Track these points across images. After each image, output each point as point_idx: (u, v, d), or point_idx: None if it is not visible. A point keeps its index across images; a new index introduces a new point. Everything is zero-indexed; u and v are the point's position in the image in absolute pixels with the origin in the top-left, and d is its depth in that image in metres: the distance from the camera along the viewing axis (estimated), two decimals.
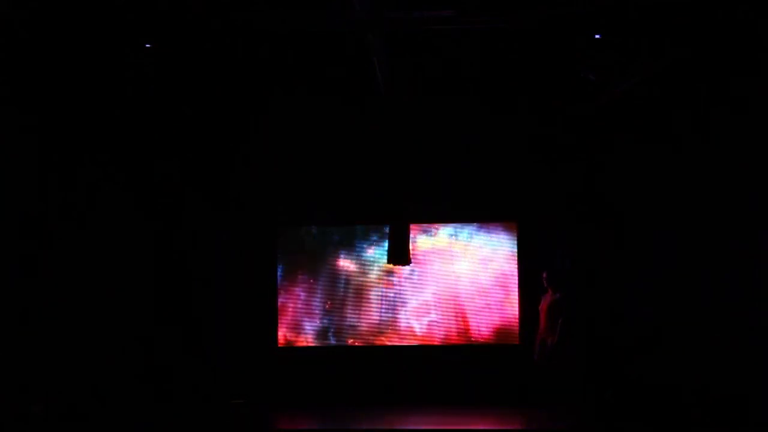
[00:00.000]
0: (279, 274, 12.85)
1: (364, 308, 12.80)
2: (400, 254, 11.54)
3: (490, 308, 12.59)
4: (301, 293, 12.84)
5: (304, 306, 12.83)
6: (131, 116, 12.19)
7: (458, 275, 12.73)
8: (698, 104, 11.52)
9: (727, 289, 11.40)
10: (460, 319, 12.72)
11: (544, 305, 11.78)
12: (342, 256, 12.88)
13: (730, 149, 11.38)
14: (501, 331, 12.62)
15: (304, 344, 12.80)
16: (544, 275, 11.85)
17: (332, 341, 12.81)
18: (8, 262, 10.45)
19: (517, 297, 12.61)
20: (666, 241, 12.12)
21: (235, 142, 12.84)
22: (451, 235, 12.85)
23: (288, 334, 12.79)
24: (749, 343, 11.00)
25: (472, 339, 12.65)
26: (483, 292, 12.66)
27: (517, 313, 12.60)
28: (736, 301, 11.33)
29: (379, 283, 12.80)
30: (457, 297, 12.70)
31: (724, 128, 11.40)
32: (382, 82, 11.15)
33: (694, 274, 11.84)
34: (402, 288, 12.76)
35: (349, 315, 12.81)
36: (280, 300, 12.81)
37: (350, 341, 12.81)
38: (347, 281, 12.85)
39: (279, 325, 12.77)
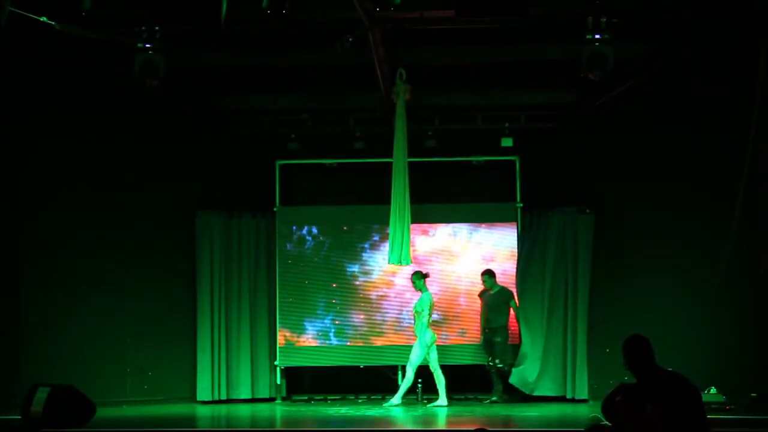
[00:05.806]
0: (279, 272, 12.85)
1: (364, 308, 12.80)
2: (400, 254, 11.55)
3: None
4: (302, 293, 12.83)
5: (305, 306, 12.83)
6: None
7: (458, 275, 12.73)
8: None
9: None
10: (460, 318, 12.72)
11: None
12: (343, 256, 12.88)
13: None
14: None
15: (304, 344, 12.81)
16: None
17: (333, 341, 12.81)
18: None
19: (517, 296, 12.60)
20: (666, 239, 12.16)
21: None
22: (450, 235, 12.84)
23: (288, 334, 12.80)
24: None
25: (472, 338, 12.66)
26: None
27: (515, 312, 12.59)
28: None
29: (379, 282, 12.81)
30: (457, 296, 12.70)
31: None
32: (382, 81, 11.17)
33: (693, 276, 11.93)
34: (402, 287, 12.74)
35: (349, 315, 12.81)
36: (280, 299, 12.81)
37: (351, 341, 12.81)
38: (348, 281, 12.86)
39: (279, 324, 12.78)
